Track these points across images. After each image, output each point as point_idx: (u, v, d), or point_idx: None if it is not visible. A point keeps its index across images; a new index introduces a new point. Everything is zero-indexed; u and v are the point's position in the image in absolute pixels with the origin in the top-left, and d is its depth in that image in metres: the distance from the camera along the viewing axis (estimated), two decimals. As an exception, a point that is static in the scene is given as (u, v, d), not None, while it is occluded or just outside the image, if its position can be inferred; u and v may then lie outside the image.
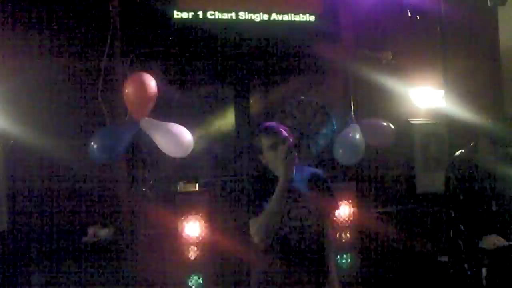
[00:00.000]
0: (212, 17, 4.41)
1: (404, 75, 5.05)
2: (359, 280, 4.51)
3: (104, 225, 4.28)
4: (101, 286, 4.07)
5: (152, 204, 4.31)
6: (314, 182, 2.90)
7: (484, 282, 3.24)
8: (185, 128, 3.97)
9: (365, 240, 4.73)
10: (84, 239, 4.20)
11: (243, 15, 4.47)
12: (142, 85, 3.86)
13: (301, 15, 4.60)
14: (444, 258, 3.86)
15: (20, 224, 4.19)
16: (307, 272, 2.78)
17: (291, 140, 2.82)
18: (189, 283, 4.10)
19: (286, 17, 4.56)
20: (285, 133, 2.84)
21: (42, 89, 4.27)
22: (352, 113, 4.71)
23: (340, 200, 4.21)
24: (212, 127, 4.76)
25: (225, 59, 4.67)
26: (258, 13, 4.50)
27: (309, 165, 3.35)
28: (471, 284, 3.27)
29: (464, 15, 5.04)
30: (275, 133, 2.84)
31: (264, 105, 4.91)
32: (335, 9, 4.73)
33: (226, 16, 4.44)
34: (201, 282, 4.10)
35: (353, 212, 4.58)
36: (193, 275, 4.10)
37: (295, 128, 4.64)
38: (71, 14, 4.37)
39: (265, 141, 2.83)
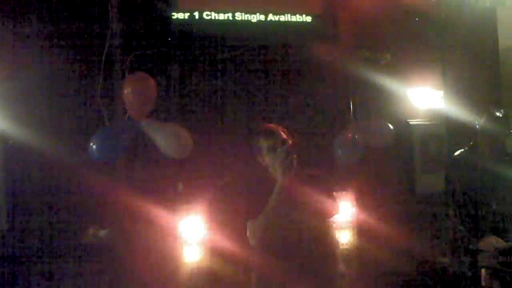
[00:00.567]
0: (209, 17, 4.40)
1: (403, 75, 5.05)
2: (359, 280, 4.52)
3: (104, 226, 4.28)
4: (100, 287, 4.07)
5: (151, 204, 4.31)
6: (314, 183, 2.90)
7: (483, 283, 3.24)
8: (184, 128, 3.98)
9: (364, 240, 4.74)
10: (83, 239, 4.20)
11: (242, 16, 4.48)
12: (141, 86, 3.86)
13: (297, 15, 4.59)
14: (444, 259, 3.87)
15: (19, 224, 4.19)
16: (307, 273, 2.78)
17: (290, 142, 2.83)
18: (189, 283, 4.10)
19: (294, 18, 4.57)
20: (284, 135, 2.84)
21: (41, 89, 4.26)
22: (351, 114, 4.72)
23: (340, 200, 4.22)
24: (211, 127, 4.76)
25: (223, 59, 4.67)
26: (265, 13, 4.52)
27: (308, 166, 3.34)
28: (470, 285, 3.28)
29: (463, 15, 5.04)
30: (274, 134, 2.84)
31: (263, 106, 4.90)
32: (334, 9, 4.74)
33: (222, 16, 4.44)
34: (200, 282, 4.11)
35: (352, 212, 4.59)
36: (192, 275, 4.11)
37: (294, 130, 4.63)
38: (70, 14, 4.37)
39: (264, 143, 2.84)
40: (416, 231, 4.97)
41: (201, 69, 4.67)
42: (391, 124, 4.60)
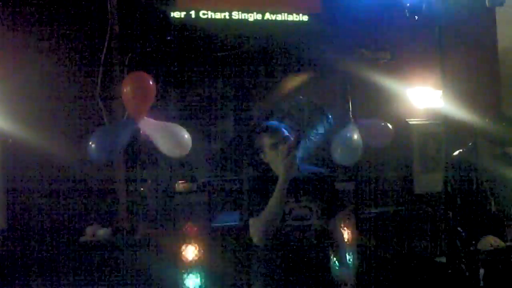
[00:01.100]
0: (206, 17, 4.40)
1: (402, 75, 5.06)
2: (358, 281, 4.52)
3: (103, 225, 4.28)
4: (99, 286, 4.07)
5: (150, 204, 4.31)
6: (317, 181, 2.90)
7: (482, 283, 3.24)
8: (183, 128, 3.98)
9: (363, 240, 4.74)
10: (82, 238, 4.20)
11: (239, 15, 4.48)
12: (140, 85, 3.86)
13: (294, 14, 4.59)
14: (442, 259, 3.87)
15: (18, 223, 4.20)
16: (308, 272, 2.78)
17: (292, 139, 2.82)
18: (188, 283, 4.10)
19: (291, 17, 4.57)
20: (286, 133, 2.84)
21: (41, 89, 4.27)
22: (350, 113, 4.72)
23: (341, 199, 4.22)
24: (210, 126, 4.77)
25: (222, 58, 4.67)
26: (262, 12, 4.52)
27: (311, 164, 3.34)
28: (469, 285, 3.28)
29: (463, 15, 5.04)
30: (277, 132, 2.83)
31: (263, 104, 4.91)
32: (332, 9, 4.74)
33: (219, 15, 4.44)
34: (200, 282, 4.11)
35: (352, 212, 4.59)
36: (192, 275, 4.11)
37: (295, 128, 4.64)
38: (69, 14, 4.37)
39: (266, 140, 2.83)
40: (414, 232, 4.97)
41: (199, 68, 4.67)
42: (390, 124, 4.60)
